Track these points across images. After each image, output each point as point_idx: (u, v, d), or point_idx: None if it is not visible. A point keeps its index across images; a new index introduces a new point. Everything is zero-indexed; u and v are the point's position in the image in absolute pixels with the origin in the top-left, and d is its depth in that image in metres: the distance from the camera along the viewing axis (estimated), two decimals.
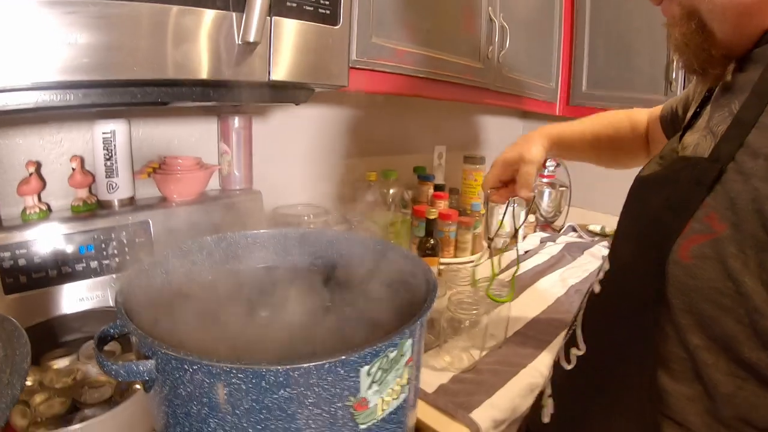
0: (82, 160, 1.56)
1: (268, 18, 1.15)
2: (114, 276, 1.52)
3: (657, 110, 1.44)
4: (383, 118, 2.52)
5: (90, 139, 1.58)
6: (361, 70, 1.53)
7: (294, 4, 1.18)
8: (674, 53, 0.92)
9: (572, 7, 2.81)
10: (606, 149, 1.51)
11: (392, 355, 0.75)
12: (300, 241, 1.21)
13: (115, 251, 1.53)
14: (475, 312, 1.48)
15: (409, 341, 0.80)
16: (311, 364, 0.66)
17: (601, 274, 1.01)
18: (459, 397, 1.36)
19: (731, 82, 0.89)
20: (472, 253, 2.37)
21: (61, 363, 1.24)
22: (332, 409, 0.72)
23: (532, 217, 2.99)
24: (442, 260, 2.18)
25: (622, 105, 1.64)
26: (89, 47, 0.91)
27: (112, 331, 0.84)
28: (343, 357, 0.68)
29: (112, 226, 1.53)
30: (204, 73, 1.08)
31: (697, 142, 0.90)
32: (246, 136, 1.87)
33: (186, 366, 0.68)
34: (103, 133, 1.55)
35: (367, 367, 0.72)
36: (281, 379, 0.66)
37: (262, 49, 1.16)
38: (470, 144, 3.29)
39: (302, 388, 0.68)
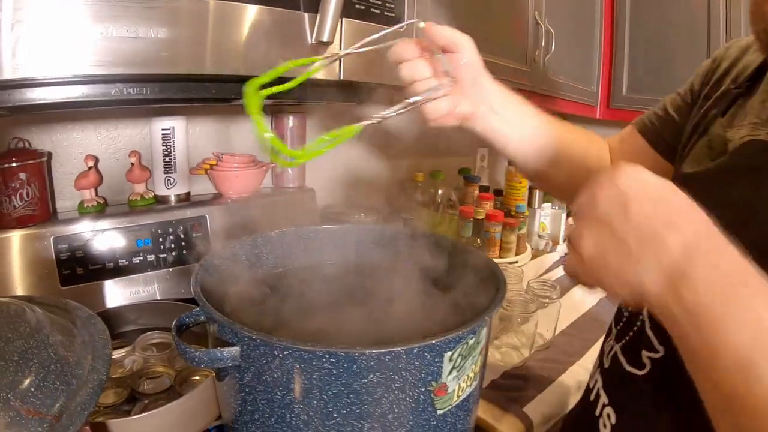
0: (140, 156, 1.59)
1: (340, 19, 1.16)
2: (170, 270, 1.54)
3: (615, 137, 1.22)
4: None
5: (148, 134, 1.61)
6: None
7: (362, 7, 1.21)
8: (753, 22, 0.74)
9: (613, 12, 2.81)
10: (575, 171, 1.12)
11: (471, 341, 0.77)
12: (356, 237, 1.22)
13: (172, 245, 1.55)
14: (527, 310, 1.48)
15: (485, 329, 0.81)
16: (402, 348, 0.67)
17: None
18: (511, 392, 1.37)
19: None
20: (517, 254, 2.37)
21: (116, 354, 1.25)
22: (415, 394, 0.73)
23: (572, 220, 2.98)
24: None
25: None
26: (155, 41, 0.92)
27: (188, 319, 0.84)
28: (433, 341, 0.69)
29: (169, 221, 1.55)
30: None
31: (764, 140, 0.73)
32: (299, 135, 1.89)
33: (276, 352, 0.69)
34: (163, 129, 1.58)
35: (450, 353, 0.73)
36: (372, 363, 0.67)
37: (333, 49, 1.18)
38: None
39: (391, 372, 0.69)
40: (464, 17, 1.74)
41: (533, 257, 2.48)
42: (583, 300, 2.00)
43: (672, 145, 1.03)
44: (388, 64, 1.22)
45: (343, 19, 1.20)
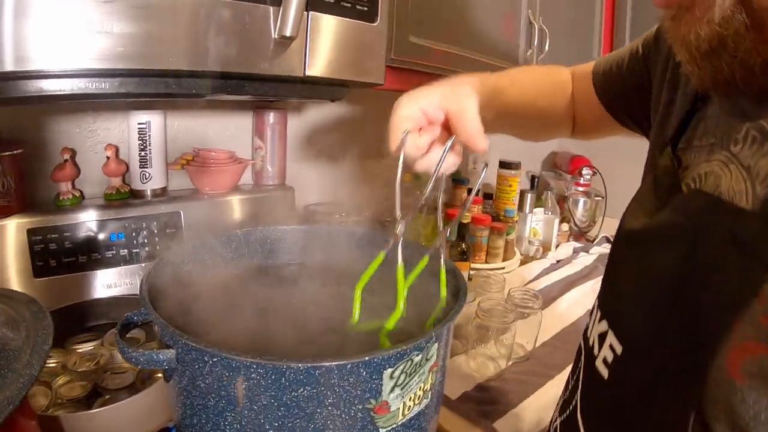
0: (117, 150, 1.58)
1: (306, 13, 1.13)
2: (143, 265, 1.54)
3: (584, 68, 1.16)
4: None
5: (125, 129, 1.60)
6: (397, 69, 1.52)
7: (331, 0, 1.18)
8: (689, 62, 0.62)
9: (613, 10, 2.78)
10: (535, 119, 1.21)
11: (417, 359, 0.73)
12: (328, 239, 1.20)
13: (146, 240, 1.55)
14: (504, 320, 1.46)
15: (435, 346, 0.77)
16: (333, 363, 0.65)
17: (607, 352, 0.73)
18: (483, 406, 1.34)
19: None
20: (504, 260, 2.35)
21: (85, 347, 1.26)
22: (352, 411, 0.70)
23: (565, 226, 2.97)
24: (473, 265, 2.18)
25: None
26: (125, 36, 0.91)
27: (135, 318, 0.83)
28: (366, 358, 0.66)
29: (143, 216, 1.55)
30: (239, 66, 1.07)
31: (709, 171, 0.66)
32: (280, 132, 1.88)
33: (206, 358, 0.67)
34: (139, 123, 1.57)
35: (390, 370, 0.70)
36: (301, 376, 0.65)
37: (298, 45, 1.15)
38: (502, 147, 3.23)
39: (322, 388, 0.66)
40: (452, 11, 1.73)
41: (522, 263, 2.47)
42: (567, 311, 1.99)
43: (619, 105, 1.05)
44: (353, 62, 1.20)
45: (310, 13, 1.16)
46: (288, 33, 1.07)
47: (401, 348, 0.69)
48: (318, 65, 1.20)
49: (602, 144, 1.28)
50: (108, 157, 1.56)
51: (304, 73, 1.18)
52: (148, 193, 1.62)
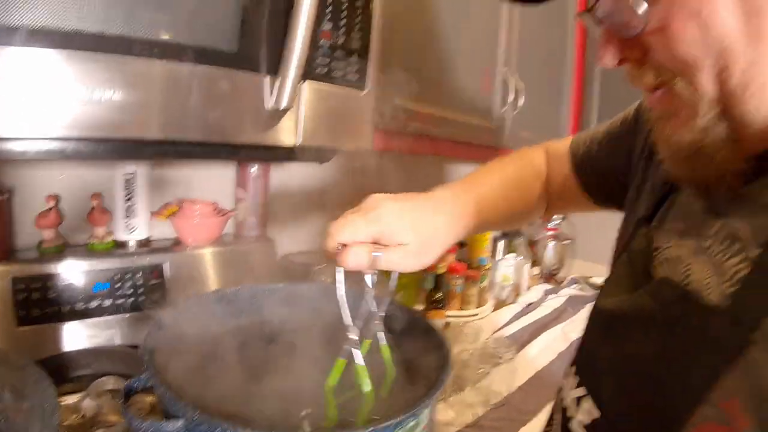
0: (102, 198, 1.59)
1: (300, 83, 1.16)
2: (127, 315, 1.55)
3: (558, 148, 1.21)
4: (397, 170, 2.57)
5: (111, 177, 1.61)
6: (381, 130, 1.56)
7: (325, 69, 1.21)
8: (671, 161, 0.71)
9: (583, 67, 2.88)
10: (511, 219, 1.23)
11: (410, 424, 0.78)
12: (316, 296, 1.21)
13: (130, 291, 1.56)
14: (480, 371, 1.51)
15: (426, 410, 0.82)
16: None
17: (584, 416, 0.78)
18: None
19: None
20: (478, 306, 2.40)
21: (69, 399, 1.25)
22: None
23: (536, 270, 3.03)
24: (448, 313, 2.22)
25: None
26: (115, 105, 0.92)
27: (136, 384, 0.83)
28: (370, 429, 0.70)
29: (127, 267, 1.56)
30: (232, 137, 1.10)
31: (681, 256, 0.71)
32: (263, 184, 1.90)
33: (218, 430, 0.69)
34: (125, 174, 1.59)
35: None
36: None
37: (291, 114, 1.18)
38: None
39: None
40: (435, 75, 1.78)
41: (495, 308, 2.53)
42: (540, 355, 2.04)
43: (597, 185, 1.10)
44: (343, 129, 1.25)
45: (304, 83, 1.19)
46: (284, 104, 1.10)
47: (398, 418, 0.73)
48: (309, 134, 1.22)
49: None
50: (93, 207, 1.57)
51: (296, 143, 1.21)
52: (133, 243, 1.64)
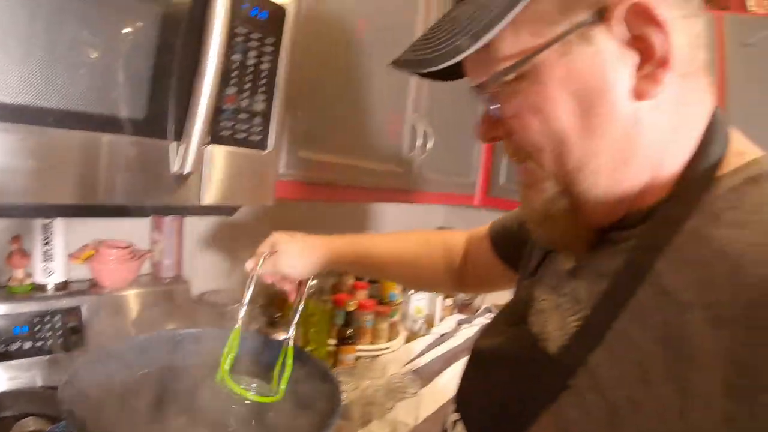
0: (21, 241, 1.63)
1: (203, 147, 1.22)
2: (46, 358, 1.59)
3: (480, 231, 1.43)
4: (310, 207, 2.64)
5: (29, 222, 1.65)
6: (286, 181, 1.65)
7: (228, 132, 1.27)
8: (529, 224, 0.84)
9: None
10: (408, 272, 1.52)
11: None
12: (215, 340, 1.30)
13: (49, 334, 1.60)
14: (385, 407, 1.61)
15: None
16: None
17: None
18: None
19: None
20: (389, 340, 2.47)
21: None
22: None
23: (449, 301, 3.13)
24: (359, 347, 2.29)
25: None
26: (29, 172, 0.96)
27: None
28: None
29: (46, 310, 1.61)
30: (139, 200, 1.16)
31: (544, 308, 0.83)
32: (178, 227, 1.96)
33: None
34: (43, 220, 1.64)
35: None
36: None
37: (195, 177, 1.23)
38: (393, 229, 3.33)
39: None
40: (340, 125, 1.86)
41: (408, 340, 2.61)
42: (449, 385, 2.13)
43: (514, 255, 1.20)
44: (245, 188, 1.34)
45: (208, 147, 1.24)
46: (187, 170, 1.15)
47: None
48: (213, 194, 1.28)
49: (484, 222, 1.47)
50: (12, 251, 1.61)
51: (200, 203, 1.26)
52: (51, 286, 1.68)
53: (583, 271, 0.79)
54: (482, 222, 1.40)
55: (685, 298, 0.62)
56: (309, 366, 1.28)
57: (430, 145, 2.31)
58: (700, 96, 0.73)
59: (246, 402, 1.17)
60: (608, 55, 0.67)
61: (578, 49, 0.68)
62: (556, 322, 0.78)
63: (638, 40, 0.66)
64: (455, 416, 0.94)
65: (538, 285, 0.90)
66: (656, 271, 0.66)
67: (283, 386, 1.18)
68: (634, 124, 0.69)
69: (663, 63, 0.65)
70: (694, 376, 0.58)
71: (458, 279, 1.47)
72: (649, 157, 0.70)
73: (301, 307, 1.37)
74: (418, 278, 1.57)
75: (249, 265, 1.36)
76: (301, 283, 1.43)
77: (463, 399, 0.95)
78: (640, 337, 0.64)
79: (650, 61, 0.66)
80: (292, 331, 1.31)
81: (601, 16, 0.66)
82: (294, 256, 1.39)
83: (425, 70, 0.73)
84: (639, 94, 0.67)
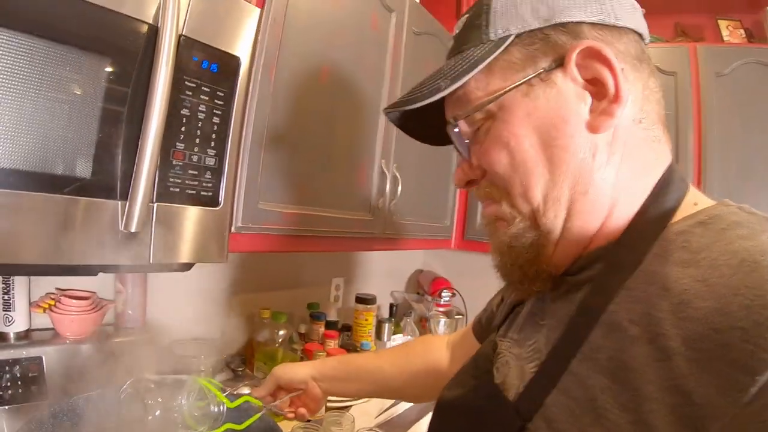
0: None
1: (151, 205, 1.23)
2: (6, 408, 1.57)
3: (457, 333, 1.57)
4: (280, 256, 2.64)
5: None
6: (246, 234, 1.66)
7: (176, 190, 1.29)
8: (493, 254, 0.92)
9: None
10: (391, 390, 1.65)
11: None
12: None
13: (8, 384, 1.58)
14: None
15: None
16: None
17: None
18: None
19: (545, 297, 0.91)
20: None
21: None
22: None
23: None
24: (330, 398, 2.22)
25: None
26: None
27: None
28: None
29: (6, 360, 1.60)
30: (89, 260, 1.16)
31: (507, 360, 0.91)
32: (141, 277, 1.97)
33: None
34: None
35: None
36: None
37: (143, 235, 1.23)
38: (370, 273, 3.45)
39: None
40: (302, 174, 1.88)
41: None
42: None
43: None
44: (196, 245, 1.36)
45: (156, 204, 1.24)
46: (133, 228, 1.16)
47: None
48: (163, 252, 1.28)
49: (463, 264, 1.55)
50: None
51: (150, 261, 1.26)
52: (12, 336, 1.68)
53: (543, 319, 0.88)
54: (460, 263, 1.48)
55: (633, 332, 0.68)
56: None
57: (399, 190, 2.34)
58: (655, 146, 0.83)
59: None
60: (566, 95, 0.79)
61: (540, 90, 0.80)
62: (516, 371, 0.86)
63: (592, 82, 0.78)
64: None
65: (502, 340, 0.98)
66: (608, 311, 0.73)
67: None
68: (591, 157, 0.78)
69: (615, 99, 0.76)
70: (646, 406, 0.63)
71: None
72: (606, 195, 0.80)
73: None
74: (401, 394, 1.74)
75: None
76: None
77: None
78: (591, 375, 0.71)
79: (604, 98, 0.77)
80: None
81: (559, 62, 0.79)
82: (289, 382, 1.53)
83: (411, 107, 0.85)
84: (594, 128, 0.78)
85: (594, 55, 0.77)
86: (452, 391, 1.00)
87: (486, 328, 1.31)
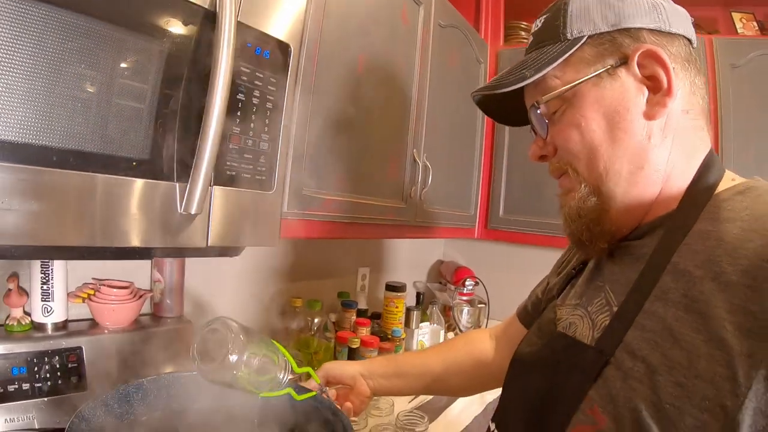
0: (18, 279, 1.60)
1: (210, 187, 1.23)
2: (46, 399, 1.54)
3: (500, 325, 1.64)
4: (310, 245, 2.64)
5: (27, 261, 1.62)
6: (291, 219, 1.65)
7: (233, 173, 1.29)
8: (564, 222, 1.06)
9: (492, 143, 3.07)
10: (438, 386, 1.65)
11: None
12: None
13: (48, 375, 1.55)
14: None
15: None
16: None
17: None
18: None
19: (602, 265, 1.05)
20: None
21: None
22: None
23: (451, 335, 3.13)
24: None
25: (535, 228, 2.39)
26: (31, 213, 0.95)
27: None
28: None
29: (45, 350, 1.56)
30: (144, 242, 1.15)
31: (572, 321, 1.02)
32: (178, 266, 1.94)
33: None
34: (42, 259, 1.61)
35: None
36: None
37: (201, 218, 1.23)
38: (394, 264, 3.44)
39: None
40: (343, 163, 1.87)
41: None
42: (457, 419, 2.14)
43: None
44: (250, 229, 1.33)
45: (214, 187, 1.24)
46: (193, 210, 1.15)
47: None
48: (219, 235, 1.28)
49: (484, 254, 1.58)
50: (10, 289, 1.58)
51: (206, 244, 1.26)
52: (50, 326, 1.65)
53: (603, 282, 1.01)
54: (481, 253, 1.50)
55: (698, 274, 0.81)
56: (318, 404, 1.27)
57: (430, 180, 2.36)
58: (700, 134, 0.98)
59: None
60: (628, 87, 0.95)
61: (607, 82, 0.96)
62: (586, 324, 0.98)
63: (650, 78, 0.94)
64: (492, 426, 1.11)
65: (561, 307, 1.11)
66: (672, 262, 0.86)
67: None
68: (647, 139, 0.94)
69: (668, 92, 0.92)
70: (715, 324, 0.75)
71: (493, 375, 1.56)
72: (659, 171, 0.95)
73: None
74: (448, 387, 1.70)
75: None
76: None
77: (502, 407, 1.13)
78: (665, 311, 0.83)
79: (658, 92, 0.93)
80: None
81: (624, 60, 0.95)
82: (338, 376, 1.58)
83: (499, 91, 1.01)
84: (650, 115, 0.93)
85: (652, 56, 0.92)
86: (523, 350, 1.12)
87: (533, 313, 1.41)
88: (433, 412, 2.15)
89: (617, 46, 0.95)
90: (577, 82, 0.97)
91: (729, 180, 0.94)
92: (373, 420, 1.86)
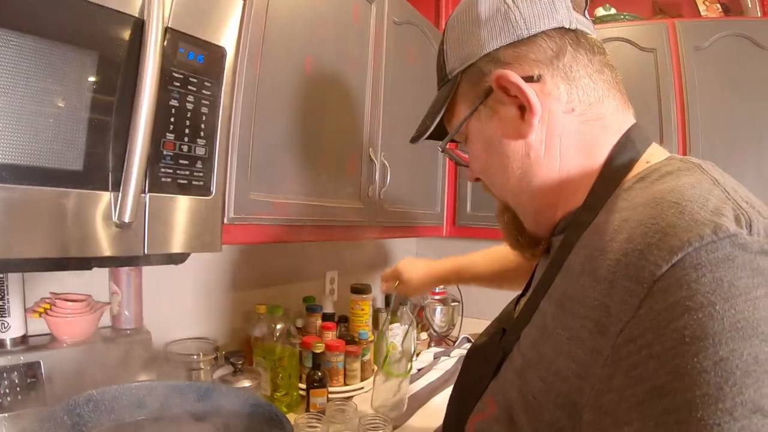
0: None
1: (143, 195, 1.24)
2: (6, 415, 1.54)
3: None
4: (273, 249, 2.64)
5: None
6: (239, 225, 1.66)
7: (168, 180, 1.30)
8: (503, 235, 1.16)
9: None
10: (504, 281, 1.86)
11: None
12: (176, 393, 1.32)
13: (7, 390, 1.56)
14: None
15: None
16: None
17: None
18: None
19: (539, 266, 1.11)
20: (363, 380, 2.46)
21: None
22: None
23: (424, 335, 3.14)
24: (332, 389, 2.26)
25: None
26: None
27: None
28: None
29: (4, 366, 1.57)
30: (82, 252, 1.16)
31: (519, 315, 1.04)
32: (136, 278, 1.94)
33: None
34: None
35: None
36: None
37: (137, 226, 1.24)
38: (363, 265, 3.44)
39: None
40: (293, 164, 1.88)
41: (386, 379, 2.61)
42: (429, 418, 2.16)
43: None
44: (190, 235, 1.34)
45: (148, 195, 1.25)
46: (127, 219, 1.16)
47: None
48: (157, 242, 1.29)
49: (456, 252, 1.69)
50: None
51: (144, 252, 1.27)
52: (8, 342, 1.65)
53: (535, 277, 1.10)
54: (453, 251, 1.56)
55: (578, 270, 0.82)
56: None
57: (389, 178, 2.37)
58: (598, 123, 0.95)
59: None
60: (500, 112, 0.97)
61: (484, 113, 1.00)
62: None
63: (514, 98, 0.94)
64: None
65: (522, 299, 1.14)
66: (567, 260, 0.88)
67: None
68: (527, 156, 0.96)
69: (530, 111, 0.92)
70: (578, 323, 0.77)
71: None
72: (553, 178, 0.96)
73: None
74: (503, 280, 1.89)
75: (383, 288, 2.09)
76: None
77: (452, 394, 1.18)
78: (548, 308, 0.87)
79: (526, 110, 0.92)
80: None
81: (488, 91, 0.97)
82: (413, 279, 2.00)
83: (416, 142, 1.16)
84: (521, 134, 0.94)
85: (502, 79, 0.92)
86: (478, 339, 1.16)
87: None
88: (408, 411, 2.19)
89: (483, 75, 0.98)
90: (464, 118, 1.03)
91: (643, 163, 0.92)
92: (333, 426, 1.86)
